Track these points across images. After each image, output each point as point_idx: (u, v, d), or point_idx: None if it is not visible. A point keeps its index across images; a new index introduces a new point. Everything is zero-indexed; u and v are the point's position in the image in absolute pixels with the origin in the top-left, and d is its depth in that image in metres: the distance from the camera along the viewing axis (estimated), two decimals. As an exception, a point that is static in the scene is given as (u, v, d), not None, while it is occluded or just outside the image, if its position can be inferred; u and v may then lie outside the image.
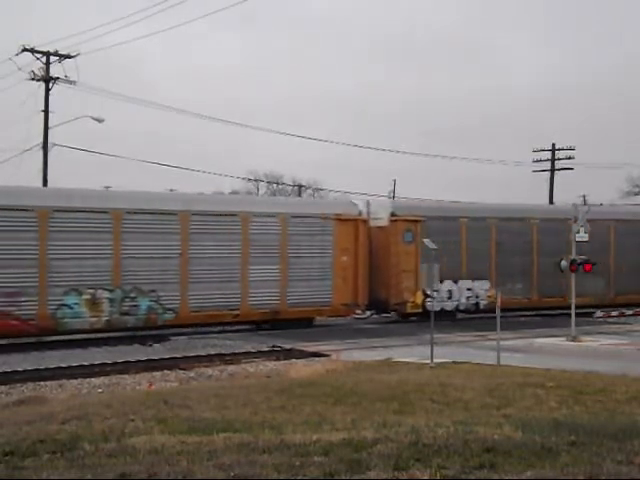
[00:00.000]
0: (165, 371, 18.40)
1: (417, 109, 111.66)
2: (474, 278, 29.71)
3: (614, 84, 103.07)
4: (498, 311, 18.78)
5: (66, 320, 22.54)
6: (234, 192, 62.87)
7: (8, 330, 21.49)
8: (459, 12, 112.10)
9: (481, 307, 29.88)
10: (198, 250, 24.57)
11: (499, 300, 18.88)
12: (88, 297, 22.78)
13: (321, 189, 67.79)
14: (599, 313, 32.07)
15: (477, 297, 29.88)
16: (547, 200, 52.14)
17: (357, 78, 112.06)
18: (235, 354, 21.06)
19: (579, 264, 23.24)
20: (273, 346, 22.40)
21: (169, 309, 24.21)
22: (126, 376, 17.67)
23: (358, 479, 7.01)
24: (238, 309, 25.33)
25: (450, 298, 29.16)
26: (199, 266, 24.58)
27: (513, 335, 23.67)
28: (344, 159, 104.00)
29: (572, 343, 22.24)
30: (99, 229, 22.97)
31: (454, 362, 17.74)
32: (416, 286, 27.89)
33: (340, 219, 27.34)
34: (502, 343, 18.70)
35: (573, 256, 23.32)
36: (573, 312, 23.21)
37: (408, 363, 18.04)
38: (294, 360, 19.99)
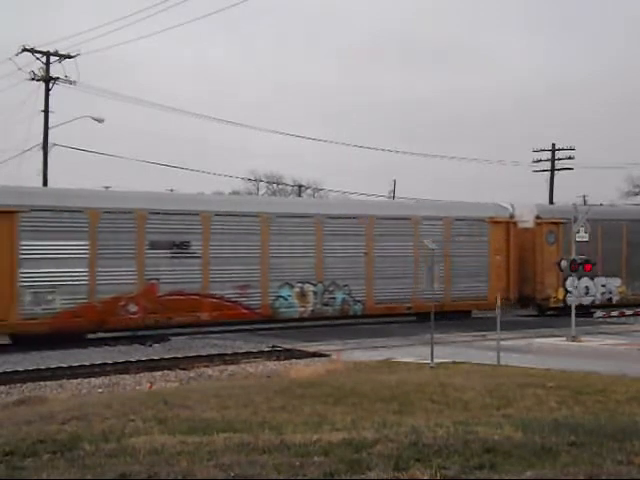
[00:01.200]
0: (165, 371, 18.38)
1: (417, 109, 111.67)
2: (607, 275, 32.56)
3: (614, 84, 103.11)
4: (498, 311, 18.78)
5: (281, 310, 26.25)
6: (234, 192, 62.85)
7: (239, 317, 25.27)
8: (458, 12, 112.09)
9: (614, 302, 32.89)
10: (380, 250, 27.87)
11: (499, 300, 18.87)
12: (298, 290, 26.48)
13: (321, 189, 67.83)
14: (599, 313, 32.10)
15: (610, 293, 32.89)
16: (547, 200, 52.16)
17: (358, 79, 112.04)
18: (235, 354, 21.04)
19: (579, 264, 23.24)
20: (273, 346, 22.40)
21: (358, 301, 27.64)
22: (126, 376, 17.65)
23: (358, 479, 7.01)
24: (410, 302, 28.27)
25: (587, 294, 31.97)
26: (381, 264, 27.87)
27: (513, 335, 23.66)
28: (344, 159, 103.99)
29: (572, 343, 22.22)
30: (307, 232, 26.63)
31: (454, 362, 17.73)
32: (558, 283, 30.77)
33: (494, 221, 30.24)
34: (502, 343, 18.70)
35: (573, 256, 23.33)
36: (573, 312, 23.21)
37: (408, 363, 18.04)
38: (294, 360, 19.98)
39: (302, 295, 26.42)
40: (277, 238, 25.88)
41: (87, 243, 22.69)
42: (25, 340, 22.09)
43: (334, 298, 27.12)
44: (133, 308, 23.44)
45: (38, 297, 21.99)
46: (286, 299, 26.21)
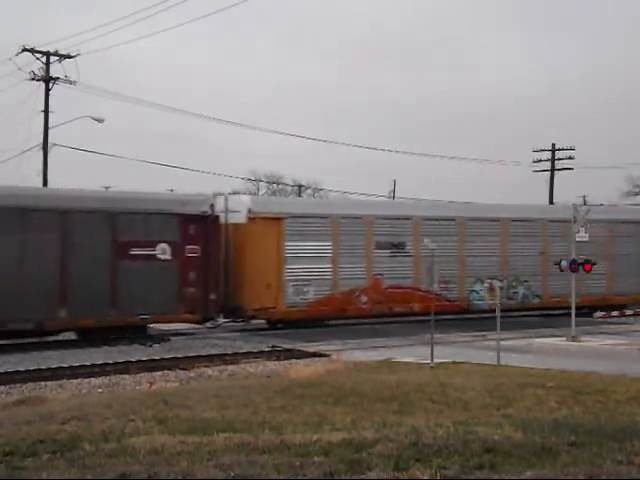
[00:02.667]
0: (165, 371, 18.39)
1: (417, 109, 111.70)
2: None
3: (614, 83, 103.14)
4: (498, 311, 18.78)
5: (475, 302, 29.62)
6: (234, 192, 62.81)
7: (442, 308, 26.80)
8: (458, 12, 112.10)
9: None
10: (553, 249, 29.90)
11: (498, 301, 18.89)
12: (487, 285, 29.45)
13: (321, 189, 67.82)
14: (599, 313, 32.10)
15: None
16: (547, 200, 52.16)
17: (357, 81, 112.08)
18: (235, 354, 21.05)
19: (579, 264, 23.26)
20: (273, 346, 22.40)
21: (536, 295, 30.73)
22: (126, 376, 17.66)
23: (358, 479, 7.02)
24: (578, 296, 30.73)
25: None
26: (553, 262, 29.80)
27: (513, 335, 23.67)
28: (344, 159, 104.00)
29: (572, 343, 22.23)
30: (494, 233, 29.86)
31: (454, 362, 17.74)
32: None
33: None
34: (502, 343, 18.71)
35: (573, 256, 23.35)
36: (573, 312, 23.22)
37: (408, 363, 18.05)
38: (294, 360, 19.98)
39: (491, 289, 28.88)
40: (470, 239, 29.37)
41: (330, 244, 26.79)
42: (288, 325, 26.43)
43: (517, 292, 30.41)
44: (364, 299, 27.39)
45: (297, 289, 26.13)
46: (478, 293, 29.72)
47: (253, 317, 26.15)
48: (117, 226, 22.83)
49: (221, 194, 28.67)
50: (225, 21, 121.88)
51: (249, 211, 25.62)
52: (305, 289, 26.20)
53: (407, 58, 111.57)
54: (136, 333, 23.17)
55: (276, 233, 25.62)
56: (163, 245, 23.62)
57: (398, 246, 28.01)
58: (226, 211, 25.50)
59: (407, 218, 28.20)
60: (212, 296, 24.30)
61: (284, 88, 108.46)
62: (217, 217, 24.71)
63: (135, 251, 23.06)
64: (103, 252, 22.57)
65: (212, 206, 24.58)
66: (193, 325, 25.49)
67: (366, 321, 28.68)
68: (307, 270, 26.21)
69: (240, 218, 25.52)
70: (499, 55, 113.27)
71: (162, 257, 23.62)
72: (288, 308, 25.88)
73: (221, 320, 25.93)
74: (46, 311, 21.64)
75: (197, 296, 24.03)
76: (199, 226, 24.11)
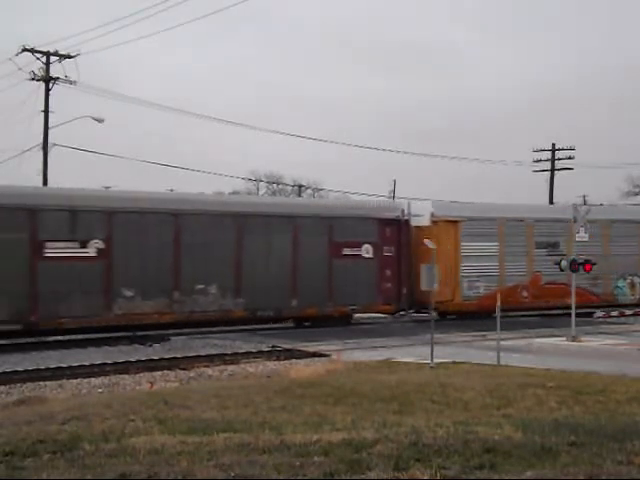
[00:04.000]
0: (165, 371, 18.38)
1: (417, 109, 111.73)
2: None
3: (614, 83, 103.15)
4: (498, 311, 18.78)
5: (619, 296, 32.86)
6: (235, 192, 62.83)
7: (590, 302, 30.94)
8: (458, 14, 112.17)
9: None
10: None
11: (499, 300, 18.88)
12: (629, 281, 33.07)
13: (321, 189, 67.78)
14: (599, 313, 32.14)
15: None
16: (547, 200, 52.15)
17: (357, 81, 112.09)
18: (235, 354, 21.04)
19: (579, 264, 23.27)
20: (273, 346, 22.40)
21: None
22: (126, 376, 17.65)
23: (358, 479, 7.02)
24: None
25: None
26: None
27: (513, 335, 23.65)
28: (344, 159, 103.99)
29: (572, 343, 22.22)
30: (632, 234, 32.59)
31: (454, 362, 17.73)
32: None
33: None
34: (502, 343, 18.70)
35: (573, 256, 23.37)
36: (573, 312, 23.22)
37: (408, 363, 18.04)
38: (294, 360, 19.98)
39: (632, 285, 33.07)
40: (615, 239, 32.07)
41: (497, 244, 29.81)
42: (459, 317, 29.14)
43: None
44: (525, 293, 30.47)
45: (470, 284, 29.28)
46: (621, 288, 33.04)
47: (435, 309, 27.39)
48: (333, 230, 26.92)
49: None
50: (225, 21, 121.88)
51: (432, 215, 28.95)
52: (477, 284, 29.53)
53: (408, 59, 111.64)
54: (344, 322, 26.99)
55: (454, 234, 28.94)
56: (367, 245, 27.66)
57: (554, 246, 30.87)
58: (409, 215, 28.92)
59: (562, 221, 29.59)
60: (404, 290, 28.10)
61: (284, 88, 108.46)
62: (407, 221, 28.44)
63: (346, 251, 27.13)
64: (322, 252, 26.62)
65: (403, 211, 28.72)
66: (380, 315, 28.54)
67: (366, 321, 28.74)
68: (478, 267, 29.55)
69: (423, 221, 28.88)
70: (499, 55, 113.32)
71: (366, 256, 27.62)
72: (463, 301, 29.28)
73: (407, 312, 28.97)
74: (283, 301, 25.74)
75: (392, 290, 28.03)
76: (393, 229, 28.13)
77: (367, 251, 27.57)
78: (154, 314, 23.66)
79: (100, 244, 22.95)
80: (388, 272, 27.86)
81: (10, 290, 21.60)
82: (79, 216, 22.80)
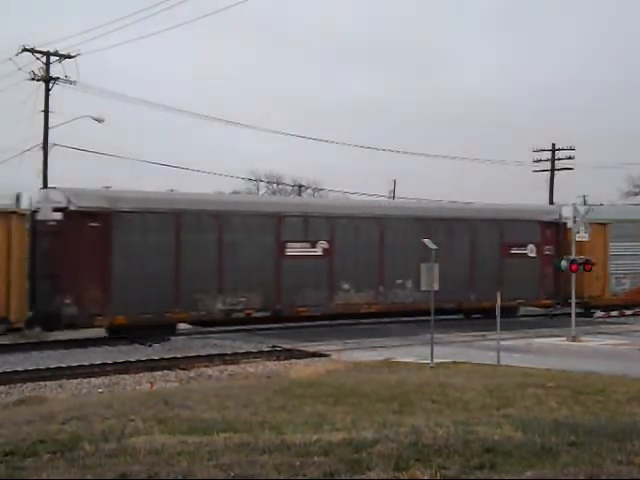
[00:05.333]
0: (165, 371, 18.40)
1: (417, 109, 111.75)
2: None
3: (615, 83, 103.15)
4: (498, 311, 18.78)
5: None
6: (235, 192, 62.84)
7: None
8: (457, 14, 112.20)
9: None
10: None
11: (499, 300, 18.88)
12: None
13: (321, 189, 67.78)
14: (599, 313, 32.18)
15: None
16: (547, 200, 52.15)
17: (356, 82, 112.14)
18: (235, 354, 21.05)
19: (579, 264, 23.29)
20: (273, 346, 22.41)
21: None
22: (126, 376, 17.66)
23: (358, 479, 7.02)
24: None
25: None
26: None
27: (513, 335, 23.66)
28: (344, 159, 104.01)
29: (572, 343, 22.24)
30: None
31: (454, 362, 17.74)
32: None
33: None
34: (502, 343, 18.71)
35: (573, 256, 23.39)
36: (573, 312, 23.23)
37: (408, 363, 18.05)
38: (294, 360, 19.99)
39: None
40: None
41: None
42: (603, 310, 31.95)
43: None
44: None
45: (617, 281, 32.14)
46: None
47: (587, 303, 31.52)
48: (503, 231, 29.98)
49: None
50: (225, 21, 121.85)
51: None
52: (622, 281, 32.49)
53: (408, 59, 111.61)
54: (511, 314, 28.71)
55: (603, 235, 31.65)
56: (531, 245, 30.63)
57: None
58: (559, 217, 31.05)
59: None
60: (561, 285, 30.21)
61: (284, 88, 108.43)
62: (565, 223, 29.56)
63: (514, 250, 30.05)
64: (495, 251, 29.70)
65: (560, 215, 30.73)
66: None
67: (366, 321, 28.78)
68: (624, 265, 32.34)
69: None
70: (499, 55, 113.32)
71: (530, 255, 30.59)
72: (611, 296, 32.06)
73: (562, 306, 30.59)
74: (463, 295, 28.84)
75: (551, 286, 30.76)
76: (552, 230, 30.98)
77: (531, 250, 30.67)
78: (364, 304, 27.18)
79: (325, 245, 26.86)
80: (547, 270, 30.68)
81: (263, 283, 25.51)
82: (310, 221, 26.88)
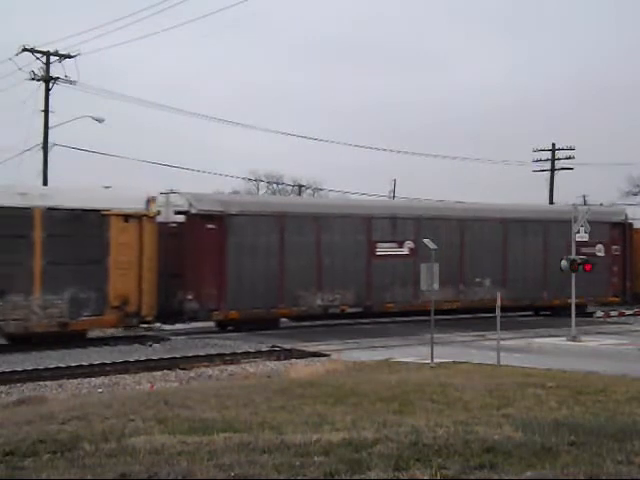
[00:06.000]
0: (165, 371, 18.40)
1: (417, 109, 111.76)
2: None
3: (615, 82, 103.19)
4: (498, 311, 18.78)
5: None
6: (235, 192, 62.80)
7: None
8: (456, 13, 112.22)
9: None
10: None
11: (499, 300, 18.89)
12: None
13: (321, 189, 67.76)
14: (599, 313, 32.21)
15: None
16: (547, 200, 52.17)
17: (356, 81, 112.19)
18: (235, 354, 21.05)
19: (579, 264, 23.31)
20: (273, 346, 22.41)
21: None
22: (126, 376, 17.66)
23: (358, 479, 7.02)
24: None
25: None
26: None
27: (513, 335, 23.68)
28: (344, 159, 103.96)
29: (572, 343, 22.27)
30: None
31: (454, 362, 17.74)
32: None
33: None
34: (502, 343, 18.71)
35: (573, 256, 23.42)
36: (573, 312, 23.24)
37: (408, 363, 18.05)
38: (294, 360, 19.99)
39: None
40: None
41: None
42: None
43: None
44: None
45: None
46: None
47: None
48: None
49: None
50: (225, 21, 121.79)
51: None
52: None
53: (410, 59, 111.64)
54: (580, 312, 28.49)
55: None
56: (600, 245, 31.86)
57: None
58: (625, 218, 33.48)
59: None
60: (627, 284, 32.92)
61: (284, 88, 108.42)
62: (631, 224, 32.72)
63: (584, 250, 29.36)
64: (563, 251, 28.78)
65: (626, 215, 33.27)
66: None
67: (366, 321, 28.80)
68: None
69: None
70: (499, 55, 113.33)
71: (599, 254, 31.76)
72: None
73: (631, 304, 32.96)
74: (537, 293, 30.87)
75: (619, 284, 32.63)
76: (619, 231, 32.76)
77: (600, 250, 32.07)
78: (446, 302, 28.24)
79: (411, 244, 28.55)
80: (615, 268, 32.63)
81: (356, 281, 27.37)
82: (397, 222, 28.67)
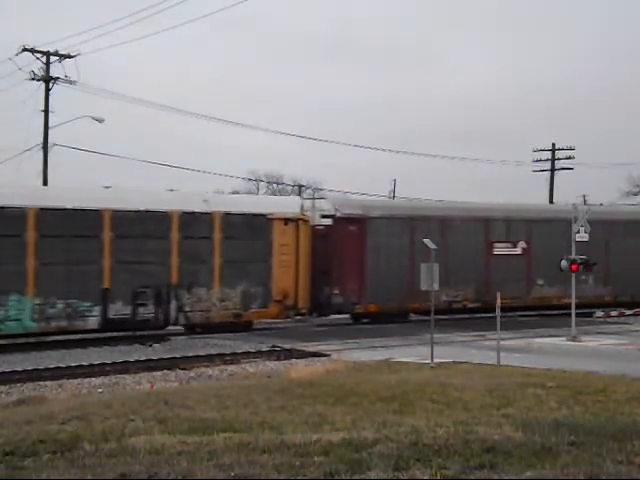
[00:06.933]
0: (165, 371, 18.40)
1: (416, 109, 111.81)
2: None
3: (615, 82, 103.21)
4: (498, 311, 18.78)
5: None
6: (235, 192, 62.80)
7: None
8: (456, 13, 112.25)
9: None
10: None
11: (499, 300, 18.88)
12: None
13: (321, 189, 67.75)
14: (599, 313, 32.19)
15: None
16: (547, 200, 52.15)
17: (355, 82, 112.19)
18: (235, 354, 21.05)
19: (579, 264, 23.30)
20: (273, 346, 22.42)
21: None
22: (126, 376, 17.66)
23: (358, 479, 7.02)
24: None
25: None
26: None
27: (513, 335, 23.67)
28: (344, 159, 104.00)
29: (572, 343, 22.26)
30: None
31: (454, 362, 17.73)
32: None
33: None
34: (502, 343, 18.70)
35: (573, 256, 23.41)
36: (573, 312, 23.23)
37: (408, 363, 18.04)
38: (294, 360, 19.99)
39: None
40: None
41: None
42: None
43: None
44: None
45: None
46: None
47: None
48: None
49: None
50: (225, 21, 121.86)
51: None
52: None
53: (410, 59, 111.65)
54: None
55: None
56: None
57: None
58: None
59: None
60: None
61: (284, 88, 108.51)
62: None
63: None
64: None
65: None
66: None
67: (365, 321, 28.80)
68: None
69: None
70: (499, 55, 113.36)
71: None
72: None
73: None
74: (637, 289, 32.61)
75: None
76: None
77: None
78: (555, 297, 30.78)
79: (524, 245, 31.26)
80: None
81: (475, 278, 29.72)
82: (511, 224, 31.22)
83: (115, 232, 23.55)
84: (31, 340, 22.84)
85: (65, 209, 22.78)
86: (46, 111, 35.73)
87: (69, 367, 18.80)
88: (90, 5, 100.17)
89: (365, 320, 28.80)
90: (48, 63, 35.72)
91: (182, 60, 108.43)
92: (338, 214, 28.09)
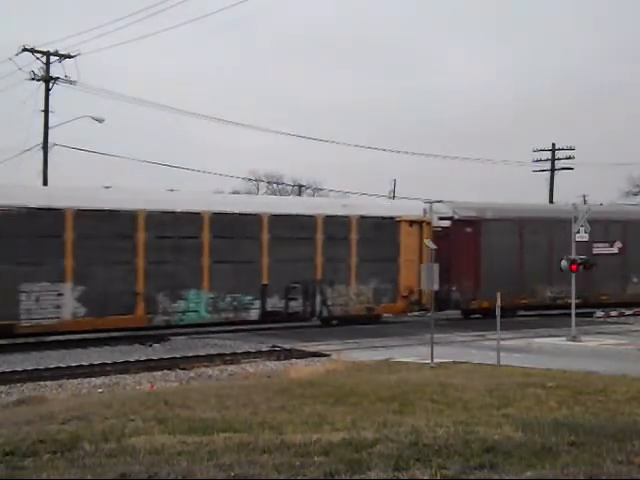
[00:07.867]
0: (165, 371, 18.40)
1: (416, 109, 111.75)
2: None
3: (615, 82, 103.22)
4: (498, 311, 18.78)
5: None
6: (235, 192, 62.79)
7: None
8: (455, 13, 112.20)
9: None
10: None
11: (499, 300, 18.88)
12: None
13: (321, 189, 67.73)
14: (599, 313, 32.21)
15: None
16: (547, 200, 52.17)
17: (357, 82, 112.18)
18: (235, 354, 21.05)
19: (579, 264, 23.30)
20: (273, 346, 22.41)
21: None
22: (126, 376, 17.66)
23: (358, 479, 7.02)
24: None
25: None
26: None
27: (513, 335, 23.66)
28: (344, 159, 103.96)
29: (572, 343, 22.25)
30: None
31: (454, 362, 17.73)
32: None
33: None
34: (502, 343, 18.70)
35: (573, 256, 23.40)
36: (573, 312, 23.22)
37: (408, 363, 18.04)
38: (294, 360, 19.98)
39: None
40: None
41: None
42: None
43: None
44: None
45: None
46: None
47: None
48: None
49: None
50: (224, 22, 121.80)
51: None
52: None
53: (412, 58, 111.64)
54: None
55: None
56: None
57: None
58: None
59: None
60: None
61: (283, 88, 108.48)
62: None
63: None
64: None
65: None
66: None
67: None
68: None
69: None
70: (499, 54, 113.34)
71: None
72: None
73: None
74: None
75: None
76: None
77: None
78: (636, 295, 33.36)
79: (620, 244, 33.31)
80: None
81: (577, 276, 27.52)
82: (609, 225, 32.94)
83: (272, 234, 26.26)
84: (31, 340, 22.84)
85: (233, 213, 25.70)
86: (46, 111, 35.74)
87: (69, 367, 18.80)
88: (90, 5, 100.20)
89: (476, 316, 30.40)
90: (48, 63, 35.74)
91: (182, 60, 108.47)
92: (456, 216, 30.37)
